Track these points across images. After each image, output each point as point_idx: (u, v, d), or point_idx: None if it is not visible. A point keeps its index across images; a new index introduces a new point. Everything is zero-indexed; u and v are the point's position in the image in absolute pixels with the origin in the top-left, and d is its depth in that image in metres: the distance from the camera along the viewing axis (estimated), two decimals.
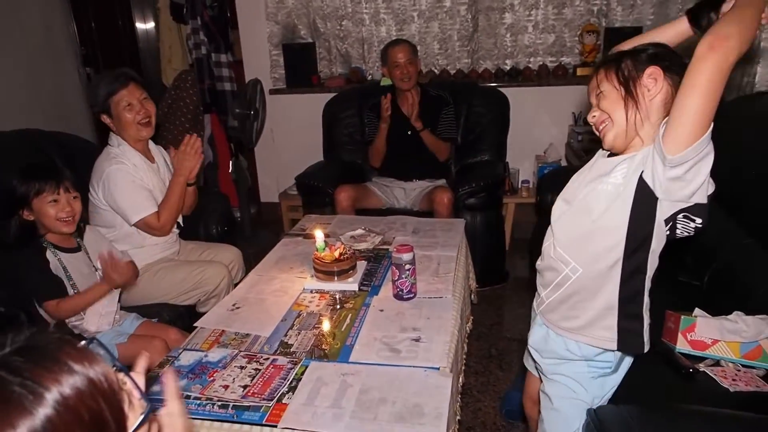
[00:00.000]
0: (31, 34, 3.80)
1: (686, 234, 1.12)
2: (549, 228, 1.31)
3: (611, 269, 1.16)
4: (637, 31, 3.29)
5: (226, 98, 3.70)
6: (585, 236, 1.19)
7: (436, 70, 3.63)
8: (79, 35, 4.66)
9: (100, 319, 1.86)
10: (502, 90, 3.24)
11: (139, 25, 5.36)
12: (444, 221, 2.44)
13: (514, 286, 2.94)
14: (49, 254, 1.79)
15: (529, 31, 3.52)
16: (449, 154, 3.00)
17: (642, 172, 1.09)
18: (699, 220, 1.09)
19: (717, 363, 1.43)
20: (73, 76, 4.45)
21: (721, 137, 2.22)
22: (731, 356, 1.43)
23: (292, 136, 3.86)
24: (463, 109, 3.11)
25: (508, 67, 3.57)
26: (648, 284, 1.17)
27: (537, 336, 1.36)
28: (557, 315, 1.28)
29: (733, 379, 1.36)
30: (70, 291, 1.80)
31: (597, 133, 1.20)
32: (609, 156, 1.22)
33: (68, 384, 0.52)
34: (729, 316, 1.47)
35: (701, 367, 1.42)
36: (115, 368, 0.59)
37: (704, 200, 1.06)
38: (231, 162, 3.81)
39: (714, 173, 1.95)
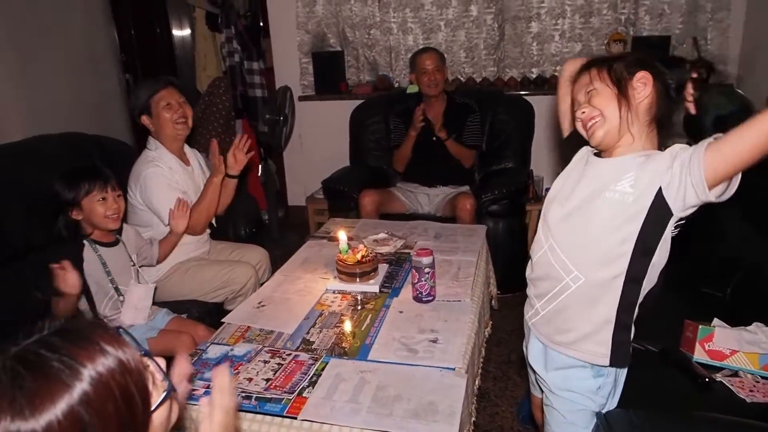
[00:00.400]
0: (74, 40, 3.95)
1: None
2: (540, 234, 1.29)
3: (614, 279, 1.15)
4: (665, 40, 3.28)
5: (257, 104, 3.81)
6: (589, 244, 1.17)
7: (462, 78, 3.67)
8: (119, 42, 4.83)
9: (136, 312, 1.94)
10: (528, 98, 3.26)
11: (176, 32, 5.53)
12: (466, 227, 2.47)
13: None
14: (88, 251, 1.88)
15: (555, 40, 3.53)
16: (473, 161, 3.03)
17: (660, 187, 1.08)
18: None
19: (735, 374, 1.43)
20: (113, 81, 4.60)
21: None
22: (750, 367, 1.43)
23: (319, 141, 3.94)
24: (488, 117, 3.14)
25: (534, 76, 3.59)
26: (642, 295, 1.17)
27: (535, 351, 1.36)
28: (551, 328, 1.27)
29: (750, 390, 1.36)
30: (109, 285, 1.89)
31: (584, 132, 1.20)
32: (600, 155, 1.22)
33: (101, 362, 0.58)
34: (749, 327, 1.47)
35: (718, 377, 1.42)
36: (140, 353, 0.64)
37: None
38: (260, 166, 3.91)
39: (743, 182, 1.96)
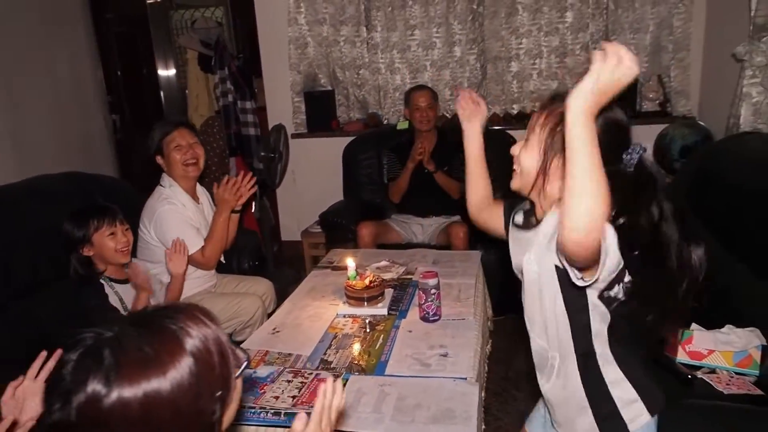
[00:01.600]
0: (61, 81, 4.01)
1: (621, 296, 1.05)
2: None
3: (566, 359, 1.11)
4: None
5: (251, 142, 3.97)
6: (544, 321, 1.15)
7: (448, 115, 3.89)
8: (106, 83, 4.95)
9: None
10: (511, 132, 3.48)
11: (162, 73, 5.70)
12: (462, 253, 2.64)
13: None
14: (107, 289, 1.98)
15: (534, 78, 3.79)
16: (462, 192, 3.21)
17: (555, 264, 1.03)
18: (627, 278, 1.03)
19: (713, 371, 1.61)
20: (100, 122, 4.70)
21: (713, 173, 2.45)
22: (725, 365, 1.61)
23: (311, 177, 4.10)
24: None
25: (515, 111, 3.83)
26: (610, 371, 1.10)
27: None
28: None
29: (727, 384, 1.54)
30: None
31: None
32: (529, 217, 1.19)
33: (203, 326, 0.72)
34: (722, 329, 1.65)
35: (699, 374, 1.59)
36: None
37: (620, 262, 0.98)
38: (254, 202, 4.05)
39: (709, 207, 2.18)
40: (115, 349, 0.66)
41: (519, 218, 1.25)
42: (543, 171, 1.07)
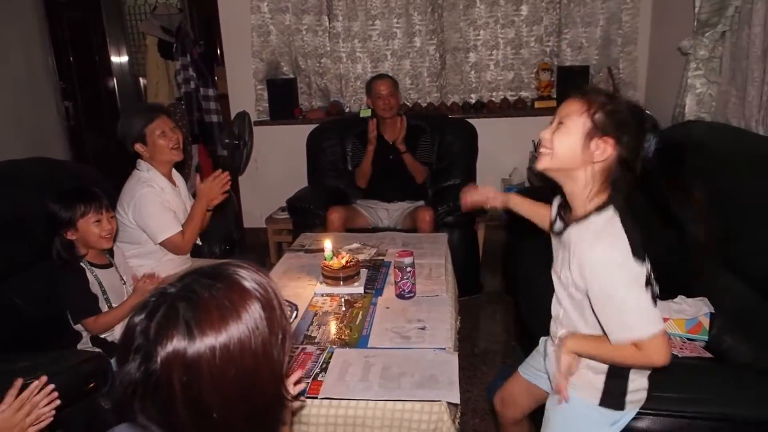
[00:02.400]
0: (13, 67, 3.91)
1: None
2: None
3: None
4: (584, 69, 3.74)
5: (213, 129, 3.94)
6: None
7: (408, 104, 3.98)
8: (58, 69, 4.80)
9: None
10: (470, 120, 3.61)
11: (114, 59, 5.55)
12: (429, 235, 2.75)
13: (488, 297, 3.25)
14: (88, 274, 1.97)
15: (491, 69, 3.93)
16: (426, 177, 3.32)
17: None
18: None
19: (668, 337, 1.76)
20: (52, 109, 4.57)
21: (659, 157, 2.63)
22: (678, 331, 1.77)
23: (274, 164, 4.11)
24: (436, 138, 3.45)
25: (473, 101, 3.96)
26: None
27: None
28: None
29: (681, 348, 1.69)
30: (104, 306, 1.97)
31: (537, 150, 1.30)
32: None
33: (262, 278, 0.78)
34: (675, 300, 1.81)
35: None
36: None
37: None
38: None
39: (657, 188, 2.35)
40: (191, 301, 0.70)
41: (558, 225, 1.34)
42: (586, 149, 1.18)
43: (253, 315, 0.72)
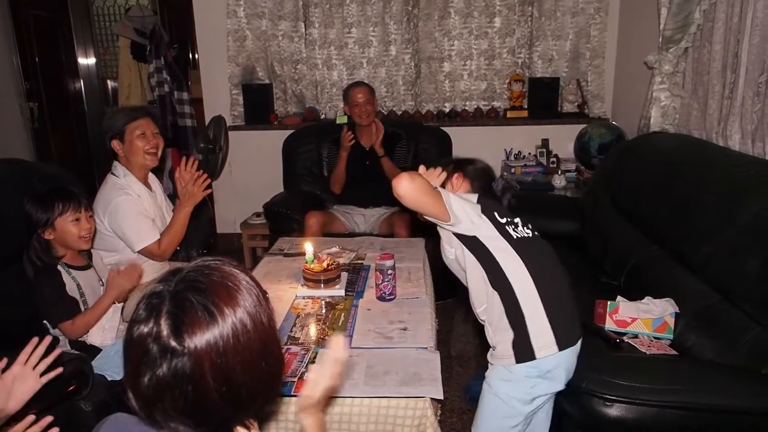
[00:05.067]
0: None
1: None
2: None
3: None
4: (554, 81, 3.87)
5: (187, 133, 3.92)
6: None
7: (384, 111, 4.04)
8: (22, 70, 4.69)
9: (104, 333, 2.00)
10: (444, 129, 3.69)
11: (81, 61, 5.45)
12: (406, 240, 2.80)
13: (464, 300, 3.31)
14: (65, 276, 1.94)
15: (464, 79, 4.02)
16: None
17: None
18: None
19: (636, 336, 1.86)
20: (15, 110, 4.47)
21: (627, 168, 2.76)
22: (645, 330, 1.86)
23: (249, 169, 4.11)
24: (412, 145, 3.52)
25: (447, 110, 4.04)
26: (529, 304, 1.48)
27: None
28: None
29: (648, 346, 1.78)
30: (83, 307, 1.95)
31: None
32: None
33: (242, 269, 0.81)
34: (642, 300, 1.91)
35: (625, 339, 1.83)
36: None
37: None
38: None
39: (625, 195, 2.46)
40: (198, 289, 0.74)
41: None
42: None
43: (250, 288, 0.78)
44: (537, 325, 1.44)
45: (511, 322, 1.46)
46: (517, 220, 1.55)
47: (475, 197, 1.54)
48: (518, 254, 1.47)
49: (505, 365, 1.49)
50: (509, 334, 1.47)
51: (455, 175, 1.67)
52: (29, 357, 1.28)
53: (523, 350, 1.44)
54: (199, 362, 0.71)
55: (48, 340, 1.33)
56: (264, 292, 0.81)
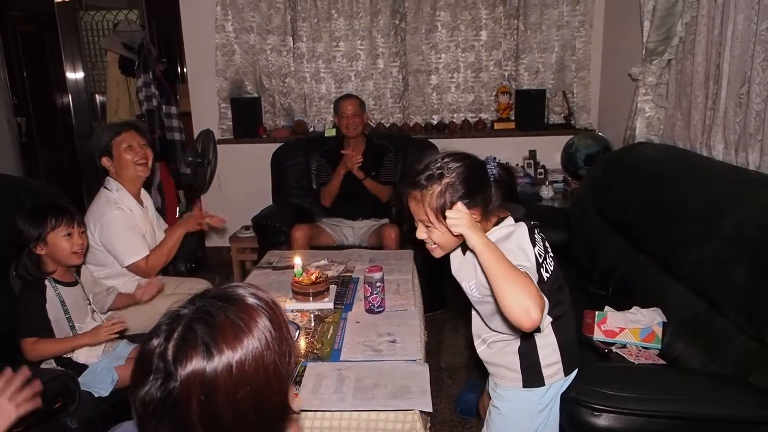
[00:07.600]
0: None
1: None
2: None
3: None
4: (541, 93, 3.91)
5: (175, 147, 3.91)
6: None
7: (372, 123, 4.06)
8: (10, 85, 4.67)
9: (89, 351, 1.98)
10: (432, 140, 3.71)
11: (69, 75, 5.44)
12: (395, 252, 2.80)
13: (453, 312, 3.32)
14: (49, 291, 1.92)
15: (452, 91, 4.06)
16: (390, 196, 3.38)
17: None
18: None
19: (624, 346, 1.86)
20: (3, 125, 4.44)
21: (614, 178, 2.78)
22: (634, 340, 1.86)
23: (238, 183, 4.10)
24: (400, 157, 3.53)
25: (435, 122, 4.07)
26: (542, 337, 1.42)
27: None
28: None
29: (636, 356, 1.79)
30: (66, 323, 1.93)
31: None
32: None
33: (266, 295, 0.82)
34: (630, 310, 1.92)
35: (613, 349, 1.84)
36: None
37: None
38: (178, 208, 3.99)
39: (612, 205, 2.48)
40: (207, 323, 0.74)
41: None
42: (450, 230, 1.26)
43: (264, 333, 0.76)
44: (547, 354, 1.43)
45: (521, 351, 1.44)
46: (544, 251, 1.37)
47: (529, 247, 1.30)
48: (546, 296, 1.26)
49: (512, 387, 1.47)
50: (515, 358, 1.45)
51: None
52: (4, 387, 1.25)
53: (532, 377, 1.44)
54: (187, 393, 0.71)
55: (26, 373, 1.29)
56: (285, 338, 0.79)
